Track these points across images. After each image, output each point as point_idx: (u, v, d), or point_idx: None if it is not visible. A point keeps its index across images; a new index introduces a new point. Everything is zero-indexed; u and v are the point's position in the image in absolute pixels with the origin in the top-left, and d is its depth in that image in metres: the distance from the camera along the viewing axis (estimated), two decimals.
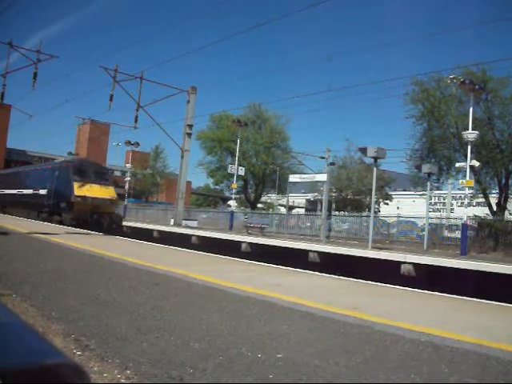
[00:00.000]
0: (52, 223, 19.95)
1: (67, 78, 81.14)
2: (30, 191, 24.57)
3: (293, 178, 29.96)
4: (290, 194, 35.35)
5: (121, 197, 30.77)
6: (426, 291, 6.63)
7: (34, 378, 0.65)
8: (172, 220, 26.90)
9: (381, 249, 14.70)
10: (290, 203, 39.80)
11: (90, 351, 3.19)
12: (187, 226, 24.42)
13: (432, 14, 53.00)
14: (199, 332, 3.77)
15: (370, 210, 22.00)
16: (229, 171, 29.06)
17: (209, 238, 18.66)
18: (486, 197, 23.07)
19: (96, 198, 20.39)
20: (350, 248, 14.15)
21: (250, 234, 21.03)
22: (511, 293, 7.34)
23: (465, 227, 16.81)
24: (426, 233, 18.87)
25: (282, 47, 79.15)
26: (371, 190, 17.77)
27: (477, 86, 17.51)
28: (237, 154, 28.03)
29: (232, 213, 28.27)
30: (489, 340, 3.82)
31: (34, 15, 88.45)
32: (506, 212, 22.39)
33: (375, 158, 16.38)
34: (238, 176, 28.49)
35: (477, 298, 6.29)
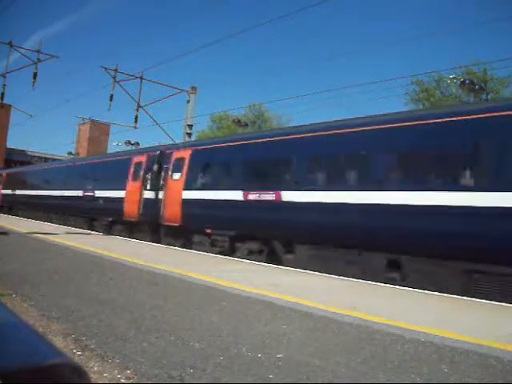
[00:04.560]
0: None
1: (67, 78, 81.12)
2: None
3: None
4: None
5: None
6: (425, 291, 6.62)
7: (34, 378, 0.65)
8: None
9: None
10: None
11: (90, 351, 3.19)
12: None
13: (432, 14, 53.02)
14: (199, 332, 3.77)
15: None
16: None
17: None
18: None
19: None
20: None
21: None
22: None
23: None
24: None
25: (283, 47, 79.27)
26: None
27: (477, 86, 17.54)
28: None
29: None
30: (489, 340, 3.82)
31: (34, 15, 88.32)
32: None
33: None
34: None
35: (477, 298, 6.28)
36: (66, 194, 19.01)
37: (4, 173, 30.08)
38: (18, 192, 25.87)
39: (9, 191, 27.13)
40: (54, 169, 23.85)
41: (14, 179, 27.74)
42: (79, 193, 17.69)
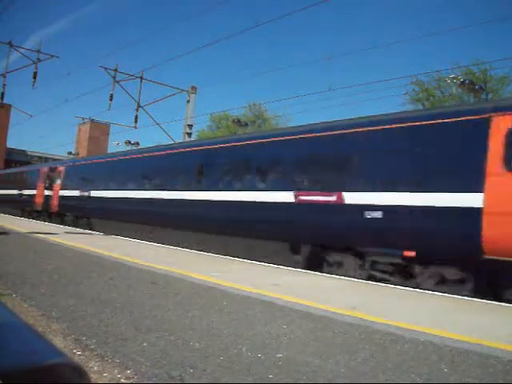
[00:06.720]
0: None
1: (67, 78, 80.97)
2: None
3: None
4: None
5: None
6: (426, 291, 6.62)
7: (34, 377, 0.65)
8: None
9: None
10: None
11: (90, 351, 3.19)
12: None
13: (432, 14, 53.13)
14: (199, 332, 3.77)
15: None
16: None
17: None
18: None
19: None
20: None
21: None
22: None
23: None
24: None
25: (282, 47, 79.38)
26: None
27: (477, 86, 17.54)
28: None
29: None
30: (489, 340, 3.82)
31: (33, 15, 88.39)
32: None
33: None
34: None
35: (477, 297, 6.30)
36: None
37: None
38: None
39: None
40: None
41: None
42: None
